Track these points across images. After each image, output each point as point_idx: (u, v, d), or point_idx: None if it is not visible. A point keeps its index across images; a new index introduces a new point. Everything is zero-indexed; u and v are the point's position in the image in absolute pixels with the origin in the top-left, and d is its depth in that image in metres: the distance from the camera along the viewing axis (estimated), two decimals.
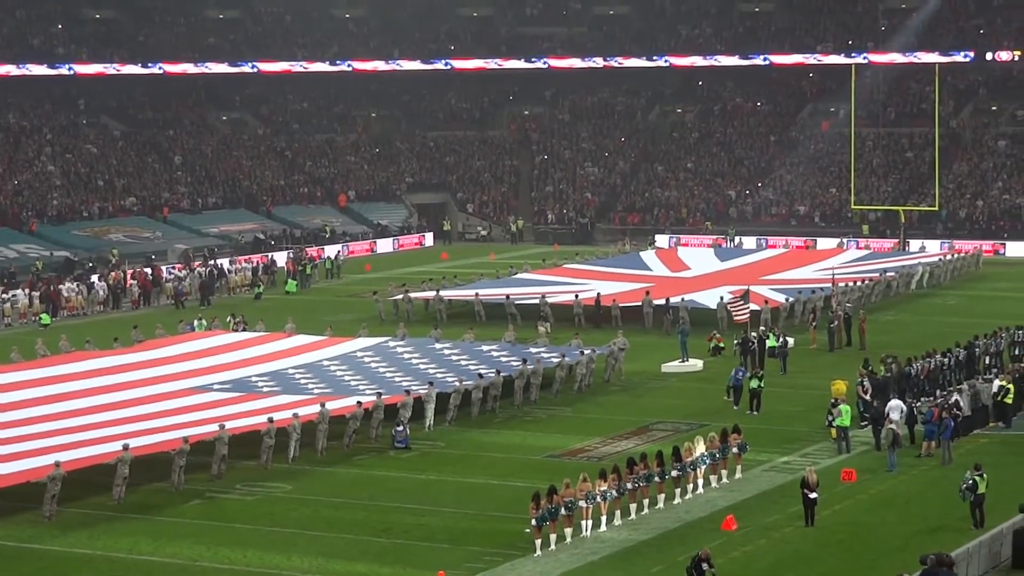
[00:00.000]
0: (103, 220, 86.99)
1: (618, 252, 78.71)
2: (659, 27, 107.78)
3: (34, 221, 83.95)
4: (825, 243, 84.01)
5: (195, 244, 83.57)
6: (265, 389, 44.42)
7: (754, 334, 49.92)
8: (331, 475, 37.62)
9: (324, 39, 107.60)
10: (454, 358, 48.81)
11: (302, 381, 45.73)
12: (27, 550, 31.75)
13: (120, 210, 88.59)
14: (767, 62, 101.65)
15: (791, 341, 51.30)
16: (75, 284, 68.11)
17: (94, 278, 70.27)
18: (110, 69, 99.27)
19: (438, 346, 50.92)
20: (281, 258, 79.30)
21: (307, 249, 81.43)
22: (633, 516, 32.79)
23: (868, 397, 40.42)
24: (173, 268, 74.15)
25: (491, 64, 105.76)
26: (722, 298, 57.92)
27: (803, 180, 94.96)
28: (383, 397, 41.28)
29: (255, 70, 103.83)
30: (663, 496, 33.68)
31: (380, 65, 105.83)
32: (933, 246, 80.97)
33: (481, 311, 60.76)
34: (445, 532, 32.36)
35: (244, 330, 54.53)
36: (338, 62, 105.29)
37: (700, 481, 34.78)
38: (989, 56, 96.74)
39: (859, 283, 62.70)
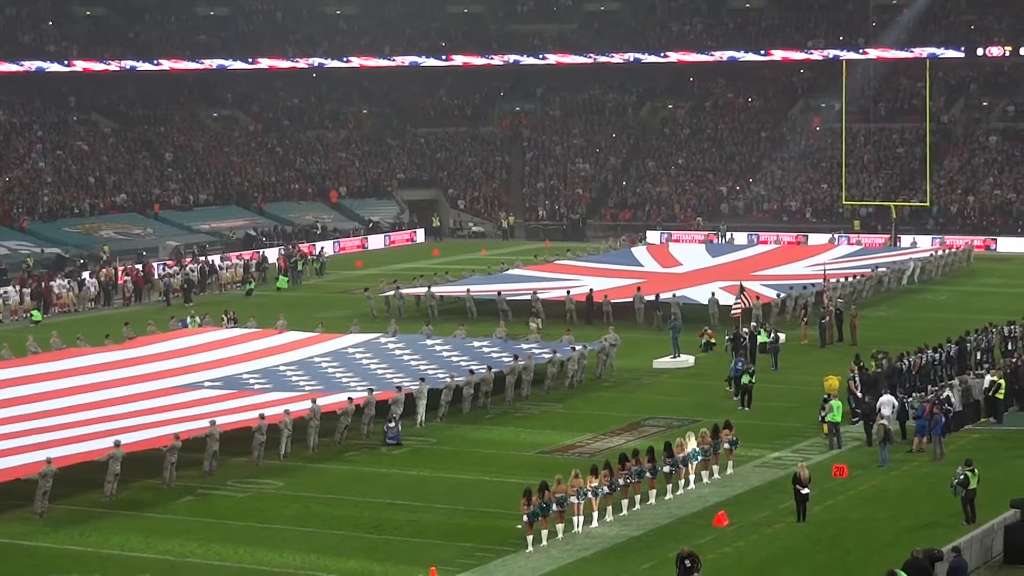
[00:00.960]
0: (94, 217, 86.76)
1: (609, 248, 78.70)
2: (650, 23, 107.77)
3: (25, 218, 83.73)
4: (816, 239, 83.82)
5: (186, 240, 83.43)
6: (256, 386, 44.38)
7: (745, 330, 49.93)
8: (323, 471, 37.58)
9: (315, 36, 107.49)
10: (445, 354, 48.83)
11: (293, 378, 45.69)
12: (18, 547, 31.70)
13: (111, 207, 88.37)
14: (758, 58, 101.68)
15: (782, 337, 51.37)
16: (66, 281, 67.99)
17: (85, 275, 70.10)
18: (101, 66, 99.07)
19: (429, 342, 50.91)
20: (272, 254, 79.23)
21: (300, 245, 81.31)
22: (625, 512, 32.81)
23: (859, 393, 40.46)
24: (165, 265, 74.10)
25: (482, 60, 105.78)
26: (713, 294, 58.02)
27: (794, 176, 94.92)
28: (375, 393, 41.25)
29: (246, 67, 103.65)
30: (655, 492, 33.69)
31: (371, 61, 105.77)
32: (924, 242, 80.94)
33: (472, 307, 60.73)
34: (437, 528, 32.34)
35: (235, 326, 54.50)
36: (329, 59, 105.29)
37: (692, 477, 34.81)
38: (980, 52, 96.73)
39: (850, 279, 62.69)
